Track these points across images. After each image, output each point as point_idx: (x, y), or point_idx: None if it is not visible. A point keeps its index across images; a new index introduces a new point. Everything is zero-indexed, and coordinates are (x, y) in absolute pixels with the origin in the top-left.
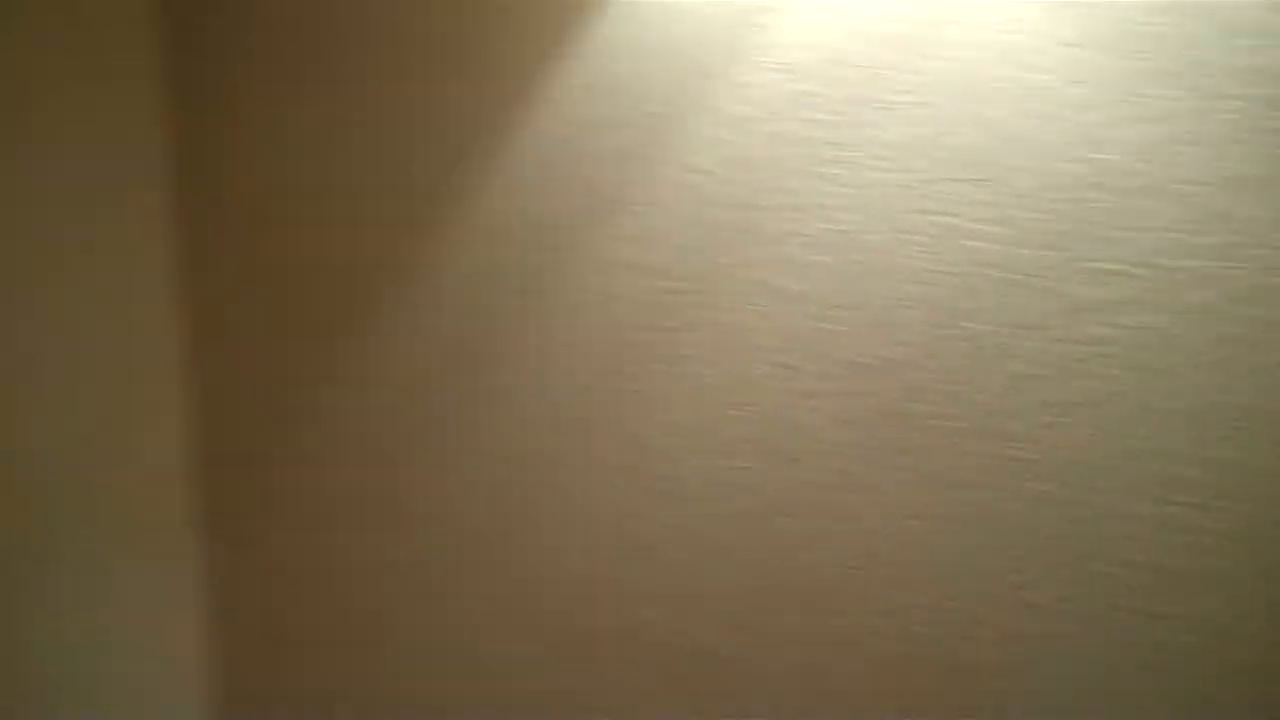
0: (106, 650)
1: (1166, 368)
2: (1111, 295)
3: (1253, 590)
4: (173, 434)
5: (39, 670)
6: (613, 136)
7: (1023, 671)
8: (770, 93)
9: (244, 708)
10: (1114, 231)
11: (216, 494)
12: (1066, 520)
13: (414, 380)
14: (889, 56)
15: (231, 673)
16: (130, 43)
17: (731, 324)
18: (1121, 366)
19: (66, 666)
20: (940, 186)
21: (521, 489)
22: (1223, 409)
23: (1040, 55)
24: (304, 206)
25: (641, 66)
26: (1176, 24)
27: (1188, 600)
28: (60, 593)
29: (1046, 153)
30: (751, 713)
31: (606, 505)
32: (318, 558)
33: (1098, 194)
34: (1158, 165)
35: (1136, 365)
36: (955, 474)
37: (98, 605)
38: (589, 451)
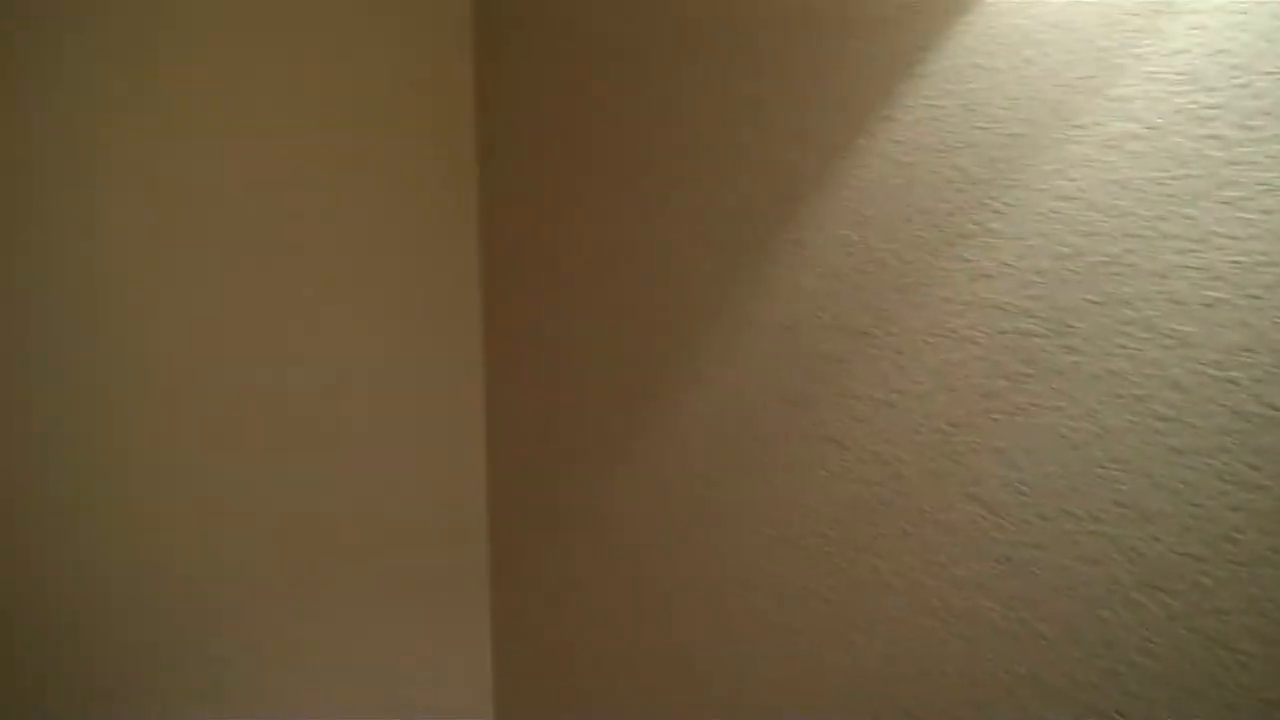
0: (402, 694)
1: None
2: None
3: None
4: (473, 493)
5: (336, 707)
6: (965, 161)
7: None
8: (1159, 106)
9: None
10: None
11: (507, 553)
12: None
13: (725, 430)
14: None
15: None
16: (448, 108)
17: (1099, 371)
18: None
19: (363, 706)
20: None
21: (845, 549)
22: None
23: None
24: (621, 242)
25: (1000, 82)
26: None
27: None
28: (363, 636)
29: None
30: None
31: (939, 569)
32: (606, 621)
33: None
34: None
35: None
36: None
37: (396, 649)
38: (921, 509)
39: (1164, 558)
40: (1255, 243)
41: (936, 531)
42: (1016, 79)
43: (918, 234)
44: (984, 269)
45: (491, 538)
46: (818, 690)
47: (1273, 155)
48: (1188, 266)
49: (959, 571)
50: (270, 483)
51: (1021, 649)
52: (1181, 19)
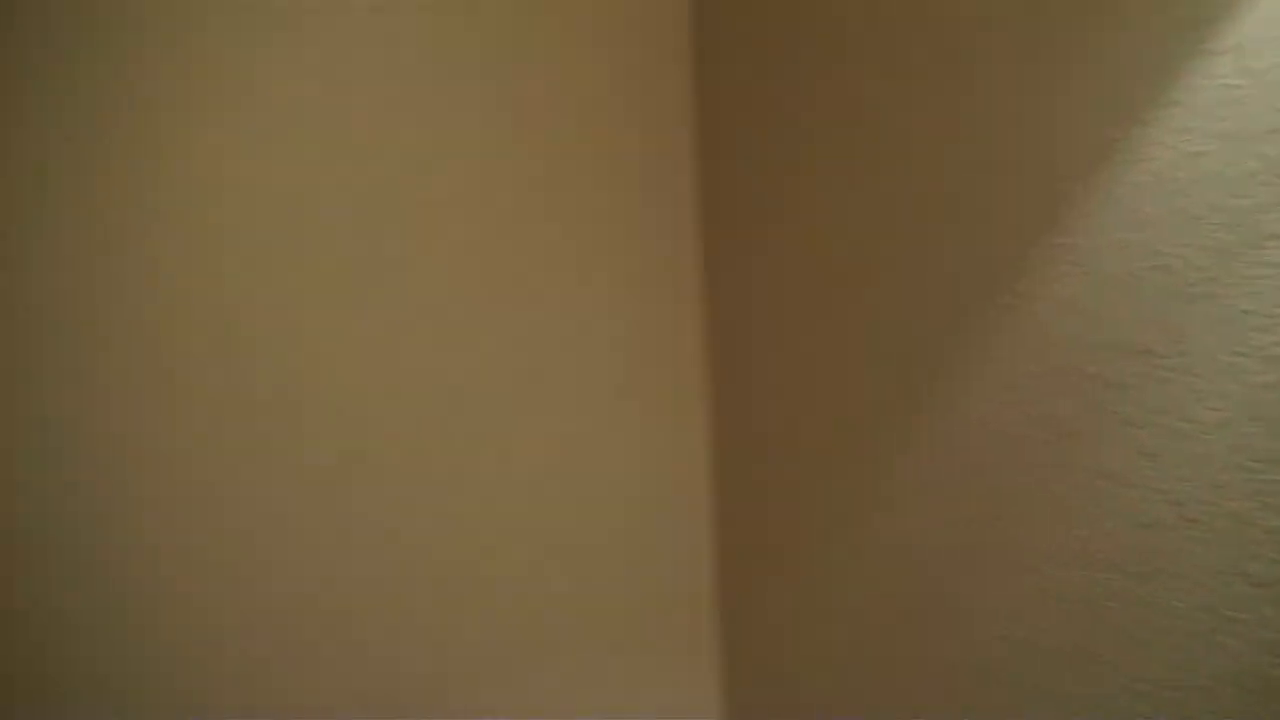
0: None
1: None
2: None
3: None
4: (697, 538)
5: None
6: (1272, 149)
7: None
8: None
9: None
10: None
11: (732, 616)
12: None
13: (983, 464)
14: None
15: None
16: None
17: None
18: None
19: None
20: None
21: (1128, 605)
22: None
23: None
24: (856, 250)
25: None
26: None
27: None
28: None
29: None
30: None
31: (1247, 632)
32: (851, 684)
33: None
34: None
35: None
36: None
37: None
38: (1222, 560)
39: None
40: None
41: (1243, 586)
42: None
43: (1212, 235)
44: None
45: (719, 592)
46: None
47: None
48: None
49: (1272, 635)
50: (478, 524)
51: None
52: None
